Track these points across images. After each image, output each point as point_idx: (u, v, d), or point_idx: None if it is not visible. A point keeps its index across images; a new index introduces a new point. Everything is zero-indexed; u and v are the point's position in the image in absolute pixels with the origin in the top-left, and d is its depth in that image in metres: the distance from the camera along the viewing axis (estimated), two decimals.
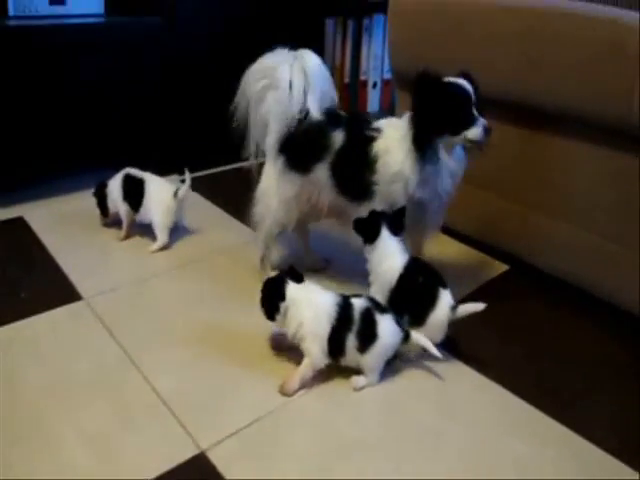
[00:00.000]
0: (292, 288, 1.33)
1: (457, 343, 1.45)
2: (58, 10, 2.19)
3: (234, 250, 1.90)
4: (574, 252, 1.67)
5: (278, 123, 1.54)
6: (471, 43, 1.73)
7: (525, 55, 1.60)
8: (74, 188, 2.22)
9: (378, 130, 1.49)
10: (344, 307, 1.32)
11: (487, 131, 1.39)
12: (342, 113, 1.59)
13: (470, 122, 1.40)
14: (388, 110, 2.99)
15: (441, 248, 1.83)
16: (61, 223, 2.02)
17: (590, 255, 1.64)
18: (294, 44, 1.56)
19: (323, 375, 1.35)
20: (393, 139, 1.46)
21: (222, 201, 2.22)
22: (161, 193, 1.88)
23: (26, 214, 2.06)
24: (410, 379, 1.38)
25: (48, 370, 1.36)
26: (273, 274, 1.40)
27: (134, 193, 1.89)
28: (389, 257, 1.43)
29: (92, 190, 1.96)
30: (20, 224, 2.01)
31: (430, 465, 1.17)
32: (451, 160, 1.44)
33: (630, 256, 1.54)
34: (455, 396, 1.35)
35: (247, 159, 1.65)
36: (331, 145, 1.51)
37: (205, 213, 2.14)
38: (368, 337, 1.30)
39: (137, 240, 1.94)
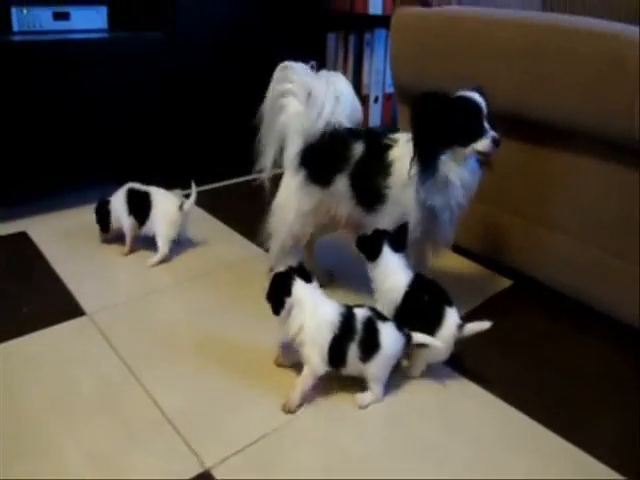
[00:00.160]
0: (299, 286, 1.32)
1: (460, 359, 1.45)
2: (62, 25, 2.20)
3: (237, 265, 1.90)
4: (575, 265, 1.68)
5: (299, 137, 1.58)
6: (473, 58, 1.74)
7: (527, 71, 1.61)
8: (77, 203, 2.22)
9: (395, 140, 1.53)
10: (347, 317, 1.32)
11: (496, 143, 1.39)
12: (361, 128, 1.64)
13: (479, 134, 1.40)
14: (390, 124, 3.01)
15: (444, 262, 1.82)
16: (64, 238, 2.02)
17: (591, 269, 1.64)
18: (300, 57, 1.58)
19: (327, 392, 1.35)
20: (408, 147, 1.47)
21: (224, 215, 2.22)
22: (167, 205, 1.89)
23: (29, 228, 2.07)
24: (414, 395, 1.38)
25: (51, 386, 1.36)
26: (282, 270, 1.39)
27: (140, 206, 1.89)
28: (392, 275, 1.43)
29: (95, 205, 1.96)
30: (23, 239, 2.01)
31: None
32: (464, 171, 1.44)
33: (630, 270, 1.54)
34: (459, 412, 1.35)
35: (259, 171, 1.67)
36: (352, 156, 1.54)
37: (207, 227, 2.15)
38: (371, 346, 1.30)
39: (140, 255, 1.94)
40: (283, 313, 1.32)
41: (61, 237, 2.02)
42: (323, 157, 1.58)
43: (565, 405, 1.38)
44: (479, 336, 1.37)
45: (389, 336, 1.31)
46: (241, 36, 2.51)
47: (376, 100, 3.10)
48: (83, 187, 2.26)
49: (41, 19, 2.15)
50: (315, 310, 1.32)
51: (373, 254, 1.45)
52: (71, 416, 1.28)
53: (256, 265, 1.71)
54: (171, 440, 1.22)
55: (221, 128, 2.52)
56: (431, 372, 1.40)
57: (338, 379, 1.36)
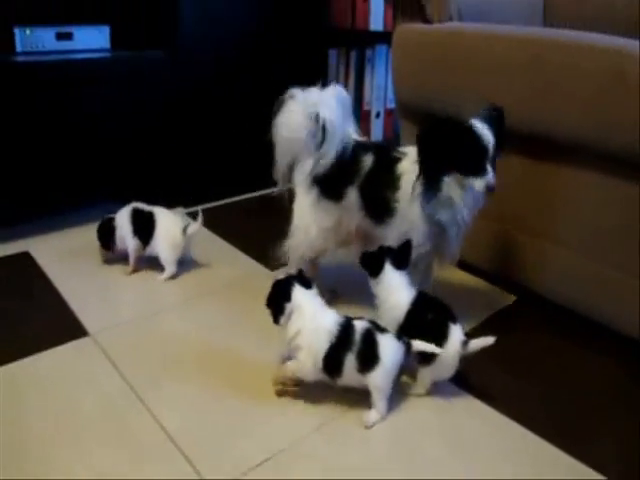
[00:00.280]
0: (299, 292, 1.33)
1: (465, 376, 1.44)
2: (65, 45, 2.21)
3: (241, 283, 1.89)
4: (576, 279, 1.67)
5: (310, 157, 1.58)
6: (475, 73, 1.74)
7: (528, 85, 1.61)
8: (79, 222, 2.22)
9: (404, 153, 1.53)
10: (345, 327, 1.32)
11: (490, 189, 1.40)
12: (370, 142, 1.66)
13: (478, 173, 1.40)
14: (393, 139, 3.02)
15: (448, 278, 1.82)
16: (67, 257, 2.01)
17: (591, 281, 1.63)
18: (302, 73, 1.58)
19: (331, 412, 1.34)
20: (416, 160, 1.47)
21: (227, 233, 2.21)
22: (170, 227, 1.88)
23: (31, 248, 2.06)
24: (419, 413, 1.37)
25: (55, 408, 1.35)
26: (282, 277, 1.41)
27: (144, 227, 1.88)
28: (394, 292, 1.43)
29: (98, 223, 1.95)
30: (26, 258, 2.00)
31: None
32: (467, 194, 1.45)
33: (631, 283, 1.54)
34: (464, 429, 1.33)
35: (275, 185, 1.68)
36: (361, 168, 1.55)
37: (211, 246, 2.14)
38: (370, 358, 1.29)
39: (144, 274, 1.93)
40: (283, 319, 1.32)
41: (64, 257, 2.01)
42: (333, 172, 1.58)
43: (569, 420, 1.37)
44: (483, 352, 1.36)
45: (388, 347, 1.30)
46: (243, 53, 2.52)
47: (378, 115, 3.11)
48: (85, 206, 2.27)
49: (44, 39, 2.17)
50: (314, 316, 1.33)
51: (375, 270, 1.45)
52: (76, 439, 1.26)
53: (261, 283, 1.70)
54: (176, 462, 1.21)
55: (223, 146, 2.53)
56: (436, 389, 1.39)
57: (342, 399, 1.35)
